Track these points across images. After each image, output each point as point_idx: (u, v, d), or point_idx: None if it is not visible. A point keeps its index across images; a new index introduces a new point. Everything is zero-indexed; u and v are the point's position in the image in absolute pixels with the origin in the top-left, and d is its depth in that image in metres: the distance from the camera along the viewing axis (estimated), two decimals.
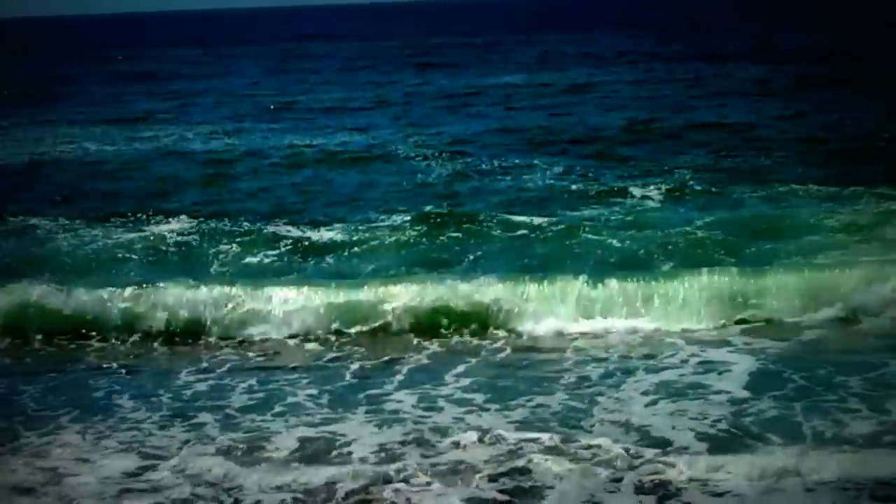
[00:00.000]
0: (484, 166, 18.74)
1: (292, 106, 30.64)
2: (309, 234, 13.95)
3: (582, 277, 10.81)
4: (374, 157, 20.19)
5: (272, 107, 30.37)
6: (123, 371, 9.81)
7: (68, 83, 42.89)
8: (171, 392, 9.14)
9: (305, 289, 10.94)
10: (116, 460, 7.63)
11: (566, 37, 63.33)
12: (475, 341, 10.24)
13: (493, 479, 7.03)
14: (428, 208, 14.99)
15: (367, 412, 8.48)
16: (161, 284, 11.20)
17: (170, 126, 26.63)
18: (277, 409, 8.66)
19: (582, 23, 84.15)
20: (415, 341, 10.26)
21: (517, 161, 19.00)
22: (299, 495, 6.91)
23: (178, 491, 7.08)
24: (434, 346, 10.12)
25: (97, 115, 29.66)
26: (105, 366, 9.98)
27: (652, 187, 15.92)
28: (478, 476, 7.08)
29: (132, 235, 14.13)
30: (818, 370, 8.84)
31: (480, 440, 7.68)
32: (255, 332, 10.58)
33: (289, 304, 10.75)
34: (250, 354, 10.15)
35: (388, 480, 7.01)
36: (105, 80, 43.94)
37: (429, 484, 6.96)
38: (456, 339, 10.31)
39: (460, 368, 9.43)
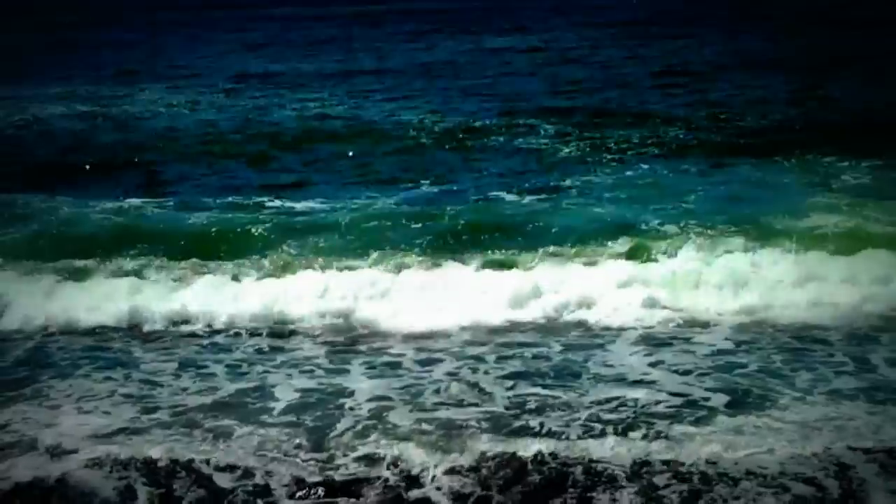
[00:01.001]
0: (479, 133, 19.27)
1: (282, 73, 30.66)
2: (297, 206, 14.25)
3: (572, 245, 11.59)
4: (368, 129, 20.26)
5: (261, 74, 30.47)
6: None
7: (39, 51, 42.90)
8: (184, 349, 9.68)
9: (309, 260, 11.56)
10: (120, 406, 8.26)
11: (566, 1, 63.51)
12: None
13: (485, 432, 7.49)
14: (422, 182, 15.49)
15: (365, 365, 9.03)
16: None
17: (150, 95, 26.52)
18: (280, 359, 9.21)
19: None
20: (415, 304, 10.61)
21: (513, 125, 19.61)
22: (286, 446, 7.37)
23: (173, 435, 7.65)
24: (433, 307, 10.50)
25: (73, 84, 29.46)
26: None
27: (650, 154, 16.50)
28: (469, 433, 7.51)
29: (110, 205, 14.44)
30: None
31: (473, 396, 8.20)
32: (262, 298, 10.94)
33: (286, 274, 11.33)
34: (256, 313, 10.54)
35: (379, 437, 7.46)
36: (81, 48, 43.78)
37: (418, 441, 7.36)
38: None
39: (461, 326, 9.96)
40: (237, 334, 9.95)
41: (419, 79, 27.99)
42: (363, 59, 34.36)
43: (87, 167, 17.37)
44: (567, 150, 17.45)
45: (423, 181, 15.59)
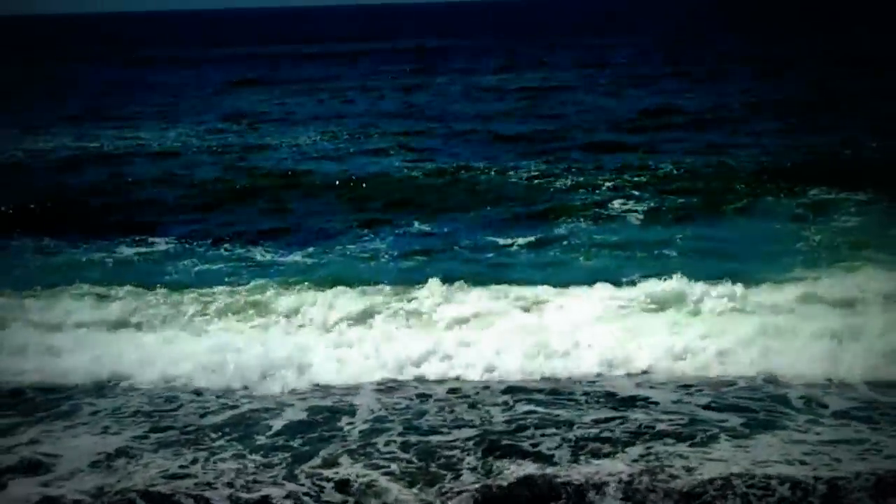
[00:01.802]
0: (470, 174, 19.73)
1: (271, 113, 31.13)
2: (290, 249, 14.76)
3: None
4: (359, 171, 20.43)
5: (250, 113, 30.86)
6: None
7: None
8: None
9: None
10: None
11: (557, 40, 64.58)
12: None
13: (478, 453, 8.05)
14: (414, 223, 16.08)
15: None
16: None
17: (138, 134, 26.98)
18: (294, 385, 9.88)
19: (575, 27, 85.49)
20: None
21: (503, 167, 20.13)
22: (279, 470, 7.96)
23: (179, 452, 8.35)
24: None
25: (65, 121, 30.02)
26: None
27: (639, 197, 17.13)
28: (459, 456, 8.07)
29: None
30: None
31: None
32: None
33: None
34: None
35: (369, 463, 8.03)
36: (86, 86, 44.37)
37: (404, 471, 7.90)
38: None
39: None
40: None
41: (409, 119, 28.62)
42: (353, 98, 35.01)
43: (72, 210, 17.67)
44: (556, 192, 17.94)
45: (414, 223, 16.15)
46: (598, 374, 9.89)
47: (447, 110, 29.99)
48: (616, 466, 7.77)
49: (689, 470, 7.68)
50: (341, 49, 67.83)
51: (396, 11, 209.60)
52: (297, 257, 14.31)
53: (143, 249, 14.97)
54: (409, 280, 12.61)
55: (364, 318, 11.48)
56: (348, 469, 7.90)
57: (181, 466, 8.04)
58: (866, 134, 21.82)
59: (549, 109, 29.28)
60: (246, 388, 9.82)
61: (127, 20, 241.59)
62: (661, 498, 7.31)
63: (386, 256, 14.18)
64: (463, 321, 11.38)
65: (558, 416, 8.81)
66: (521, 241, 14.75)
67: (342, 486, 7.63)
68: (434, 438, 8.47)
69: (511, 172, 19.68)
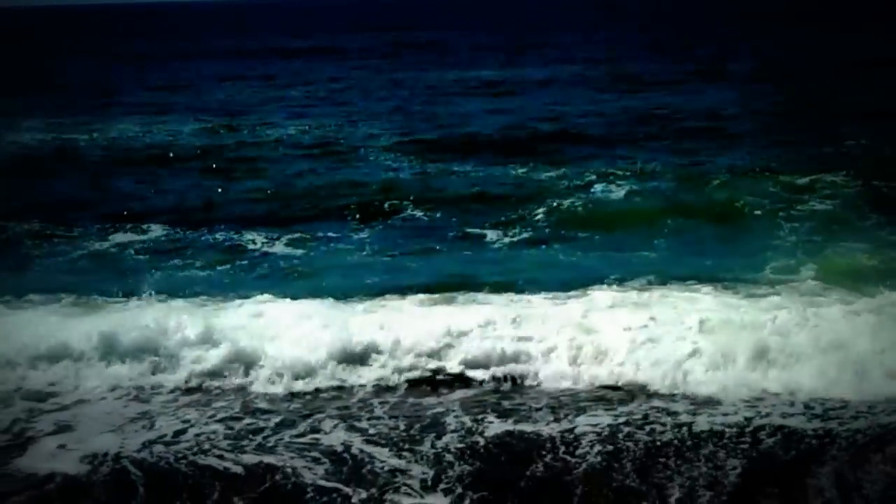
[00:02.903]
0: (460, 173, 20.05)
1: (259, 107, 31.62)
2: (281, 244, 15.07)
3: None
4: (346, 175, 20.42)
5: (238, 109, 31.19)
6: None
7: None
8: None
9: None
10: None
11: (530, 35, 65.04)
12: None
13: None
14: (404, 216, 16.58)
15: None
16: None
17: (128, 125, 27.46)
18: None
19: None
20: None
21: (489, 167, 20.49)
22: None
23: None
24: None
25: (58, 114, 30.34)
26: None
27: (619, 197, 17.42)
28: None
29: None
30: None
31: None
32: None
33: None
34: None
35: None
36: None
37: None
38: None
39: None
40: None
41: (396, 113, 29.11)
42: (344, 94, 35.41)
43: (59, 207, 17.81)
44: (541, 190, 18.15)
45: (402, 220, 16.55)
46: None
47: (436, 108, 30.29)
48: (598, 420, 8.34)
49: (678, 426, 8.20)
50: (334, 44, 68.30)
51: (387, 4, 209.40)
52: (284, 258, 14.52)
53: (135, 244, 15.31)
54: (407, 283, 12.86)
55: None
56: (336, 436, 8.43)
57: (176, 432, 8.55)
58: (855, 135, 22.11)
59: (540, 106, 29.71)
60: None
61: (114, 12, 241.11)
62: (639, 447, 7.87)
63: (374, 255, 14.47)
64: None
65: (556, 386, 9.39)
66: (505, 239, 15.12)
67: (330, 453, 8.10)
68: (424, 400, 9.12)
69: (496, 169, 20.03)
